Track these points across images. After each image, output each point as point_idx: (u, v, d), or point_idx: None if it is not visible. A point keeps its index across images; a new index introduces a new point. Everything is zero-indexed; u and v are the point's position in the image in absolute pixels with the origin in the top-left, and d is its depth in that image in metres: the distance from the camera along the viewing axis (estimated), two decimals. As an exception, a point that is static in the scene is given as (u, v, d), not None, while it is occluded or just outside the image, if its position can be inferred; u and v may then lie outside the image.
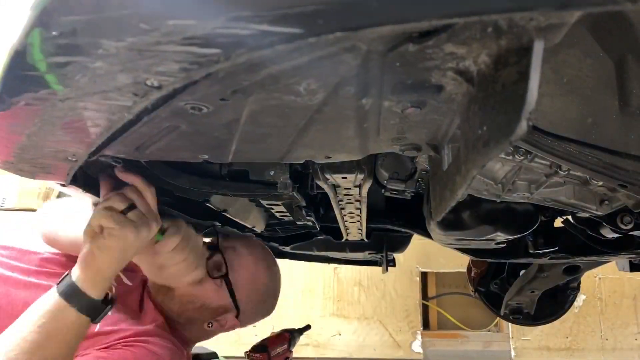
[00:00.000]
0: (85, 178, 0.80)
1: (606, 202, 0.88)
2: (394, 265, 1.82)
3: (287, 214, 1.18)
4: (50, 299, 0.82)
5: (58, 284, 0.84)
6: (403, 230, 1.43)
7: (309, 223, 1.26)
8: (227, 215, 1.11)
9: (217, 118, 0.52)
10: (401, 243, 1.74)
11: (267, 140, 0.59)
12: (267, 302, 1.28)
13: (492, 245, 1.17)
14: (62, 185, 0.77)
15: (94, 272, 0.82)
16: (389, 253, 1.71)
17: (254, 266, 1.21)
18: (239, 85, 0.43)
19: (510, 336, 2.88)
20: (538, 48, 0.33)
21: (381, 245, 1.69)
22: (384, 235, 1.67)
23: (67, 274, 0.85)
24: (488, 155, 0.40)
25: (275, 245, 1.63)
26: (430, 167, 0.63)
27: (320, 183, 0.87)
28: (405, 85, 0.42)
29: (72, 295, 0.81)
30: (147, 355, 1.00)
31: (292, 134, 0.56)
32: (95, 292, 0.83)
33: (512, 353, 2.86)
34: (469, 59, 0.38)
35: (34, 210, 2.85)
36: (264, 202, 1.09)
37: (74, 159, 0.62)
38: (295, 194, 0.94)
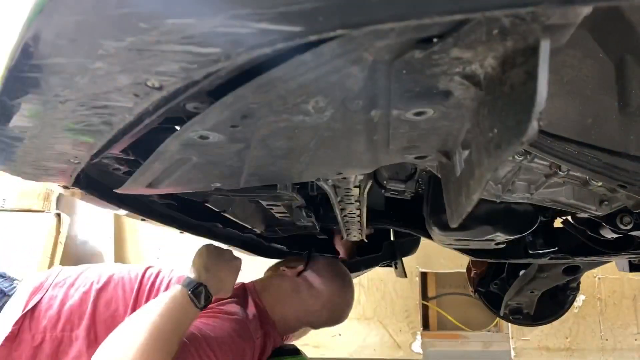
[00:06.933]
0: (88, 180, 0.81)
1: (606, 202, 0.88)
2: (395, 267, 1.82)
3: (287, 215, 1.18)
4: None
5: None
6: (404, 230, 1.43)
7: (309, 223, 1.26)
8: (226, 215, 1.11)
9: (228, 146, 0.51)
10: (412, 246, 1.78)
11: (278, 163, 0.59)
12: (335, 312, 1.51)
13: (492, 246, 1.17)
14: (65, 187, 0.76)
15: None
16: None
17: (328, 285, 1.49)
18: (248, 110, 0.43)
19: (510, 336, 2.88)
20: (545, 47, 0.32)
21: (394, 254, 1.75)
22: (394, 243, 1.74)
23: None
24: (501, 157, 0.39)
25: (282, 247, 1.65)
26: (441, 174, 0.62)
27: (321, 183, 0.86)
28: (413, 93, 0.42)
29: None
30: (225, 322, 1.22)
31: (302, 155, 0.56)
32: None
33: (512, 353, 2.86)
34: (475, 62, 0.37)
35: (34, 212, 2.84)
36: (264, 203, 1.09)
37: (76, 161, 0.61)
38: (295, 195, 0.94)
